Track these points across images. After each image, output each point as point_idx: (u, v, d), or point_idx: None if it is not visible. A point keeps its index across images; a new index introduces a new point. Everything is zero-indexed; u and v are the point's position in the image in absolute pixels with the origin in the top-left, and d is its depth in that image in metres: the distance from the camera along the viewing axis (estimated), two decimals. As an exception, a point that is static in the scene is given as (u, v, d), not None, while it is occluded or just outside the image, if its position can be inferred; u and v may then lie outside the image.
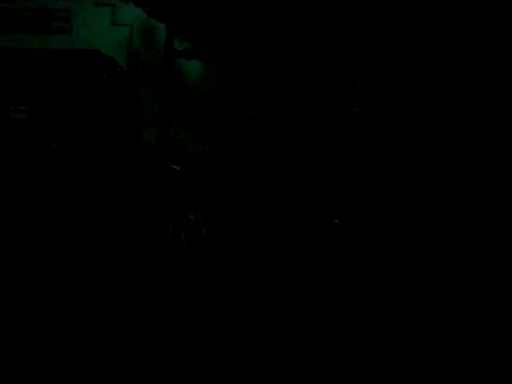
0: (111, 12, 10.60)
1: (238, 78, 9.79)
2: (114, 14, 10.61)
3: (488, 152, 6.49)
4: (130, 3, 9.23)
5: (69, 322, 2.18)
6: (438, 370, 2.49)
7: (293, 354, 2.46)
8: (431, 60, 7.14)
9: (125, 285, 2.25)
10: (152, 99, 9.68)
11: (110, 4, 10.43)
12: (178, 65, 10.14)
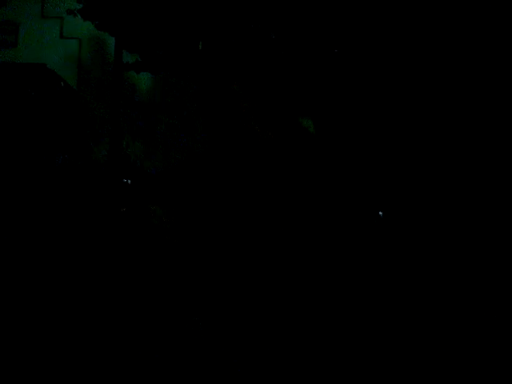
0: (59, 25, 10.46)
1: (188, 90, 9.75)
2: (63, 26, 10.48)
3: (409, 155, 6.59)
4: (78, 16, 9.10)
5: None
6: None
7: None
8: (377, 76, 7.23)
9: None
10: (103, 113, 9.56)
11: (58, 17, 10.30)
12: (129, 78, 10.05)
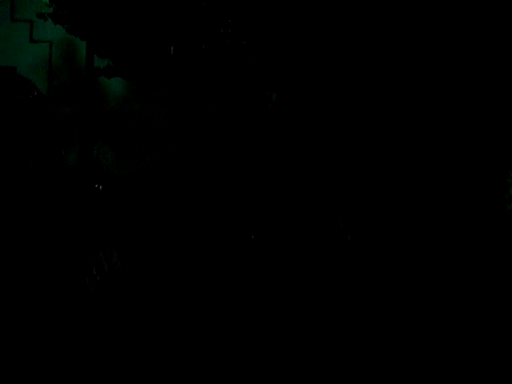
0: (29, 28, 10.38)
1: (161, 94, 9.73)
2: (33, 30, 10.40)
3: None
4: (49, 20, 9.04)
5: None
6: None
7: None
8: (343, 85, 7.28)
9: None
10: (73, 118, 9.53)
11: (29, 20, 10.22)
12: (101, 83, 9.99)
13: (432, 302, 4.17)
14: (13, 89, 2.40)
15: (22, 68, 9.67)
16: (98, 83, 9.84)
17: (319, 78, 7.49)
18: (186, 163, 2.52)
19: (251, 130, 2.51)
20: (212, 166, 2.42)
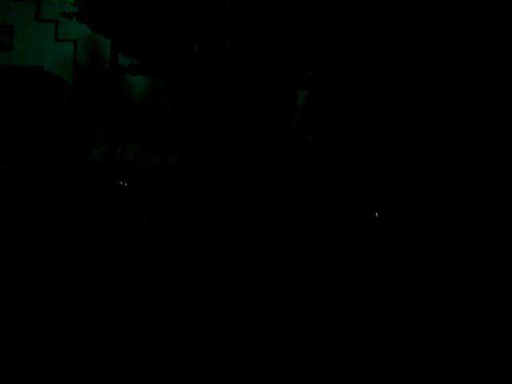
0: (55, 28, 10.48)
1: (184, 91, 9.78)
2: (58, 29, 10.49)
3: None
4: (74, 19, 9.12)
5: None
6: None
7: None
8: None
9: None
10: (98, 115, 9.59)
11: (54, 20, 10.32)
12: (125, 80, 10.07)
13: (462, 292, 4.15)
14: (47, 86, 2.42)
15: (47, 67, 9.78)
16: (122, 81, 9.91)
17: (346, 72, 7.49)
18: (212, 160, 2.53)
19: (279, 127, 2.51)
20: (239, 163, 2.42)
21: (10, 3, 10.40)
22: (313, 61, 8.19)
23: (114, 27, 8.81)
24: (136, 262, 2.22)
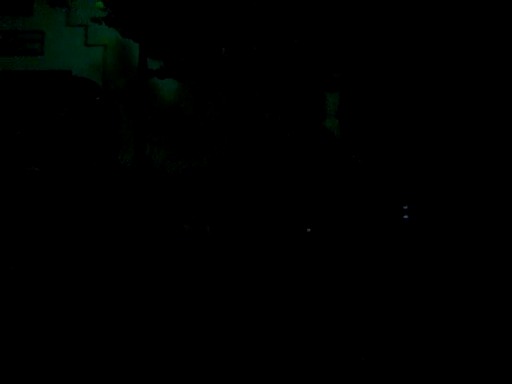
0: (84, 32, 10.58)
1: (212, 95, 9.79)
2: (87, 34, 10.60)
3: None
4: (103, 23, 9.20)
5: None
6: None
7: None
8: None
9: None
10: (127, 119, 9.65)
11: (83, 24, 10.42)
12: (153, 84, 10.12)
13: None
14: (81, 90, 2.43)
15: (76, 71, 9.88)
16: (151, 85, 9.96)
17: (376, 75, 7.43)
18: (242, 161, 2.51)
19: (306, 127, 2.46)
20: (268, 164, 2.39)
21: (41, 10, 10.53)
22: (341, 63, 8.15)
23: (142, 30, 8.86)
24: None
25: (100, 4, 9.01)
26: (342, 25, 7.75)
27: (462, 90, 6.96)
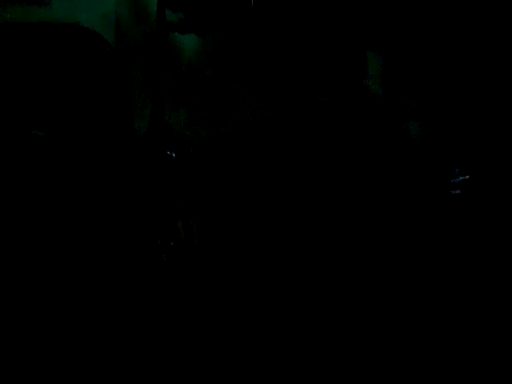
0: (94, -19, 9.89)
1: (238, 53, 9.17)
2: (98, -18, 9.91)
3: None
4: (116, -29, 8.68)
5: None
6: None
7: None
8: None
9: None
10: (143, 79, 9.07)
11: (93, -28, 9.73)
12: (172, 40, 9.49)
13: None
14: (84, 45, 2.41)
15: (87, 23, 9.20)
16: (169, 40, 9.37)
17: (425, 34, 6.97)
18: (278, 130, 2.27)
19: (346, 87, 2.33)
20: (307, 139, 2.26)
21: (48, -43, 9.86)
22: (385, 20, 7.49)
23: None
24: (187, 235, 2.16)
25: None
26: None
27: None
